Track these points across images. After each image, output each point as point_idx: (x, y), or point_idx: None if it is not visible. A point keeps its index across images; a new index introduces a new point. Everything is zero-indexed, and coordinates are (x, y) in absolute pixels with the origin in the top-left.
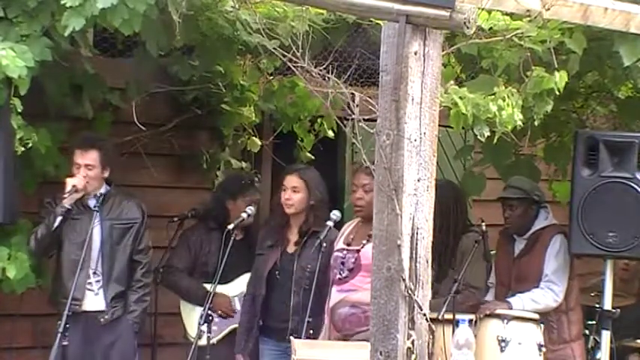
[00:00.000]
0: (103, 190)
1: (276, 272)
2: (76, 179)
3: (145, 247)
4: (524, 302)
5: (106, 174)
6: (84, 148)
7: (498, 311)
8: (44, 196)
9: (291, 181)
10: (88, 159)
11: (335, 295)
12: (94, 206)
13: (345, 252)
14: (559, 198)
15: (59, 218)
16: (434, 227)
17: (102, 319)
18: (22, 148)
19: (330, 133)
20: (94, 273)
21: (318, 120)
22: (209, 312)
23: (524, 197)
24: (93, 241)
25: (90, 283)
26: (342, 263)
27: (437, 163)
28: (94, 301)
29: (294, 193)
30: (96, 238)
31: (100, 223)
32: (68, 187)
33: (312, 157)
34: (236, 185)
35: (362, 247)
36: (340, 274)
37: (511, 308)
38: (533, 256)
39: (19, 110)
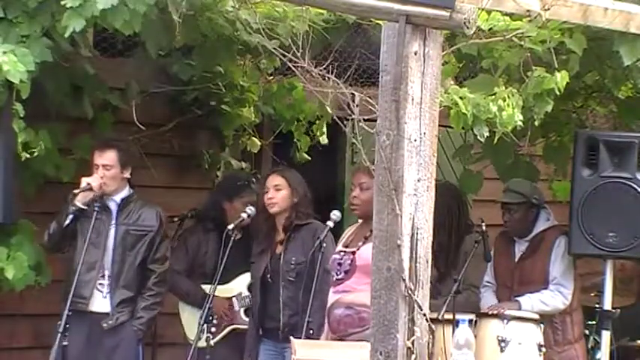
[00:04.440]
0: (125, 194)
1: (268, 275)
2: (92, 178)
3: (161, 256)
4: (533, 303)
5: (127, 174)
6: (101, 148)
7: (500, 311)
8: (44, 197)
9: (273, 180)
10: (105, 159)
11: (331, 296)
12: (114, 209)
13: (342, 254)
14: (559, 197)
15: (70, 216)
16: (436, 228)
17: (105, 324)
18: (27, 155)
19: (323, 140)
20: (108, 276)
21: (317, 122)
22: (209, 313)
23: (523, 202)
24: (108, 243)
25: (101, 284)
26: (340, 264)
27: (437, 163)
28: (102, 303)
29: (276, 191)
30: (110, 241)
31: (115, 227)
32: (82, 184)
33: (309, 158)
34: (232, 186)
35: (358, 249)
36: (337, 275)
37: (520, 308)
38: (537, 258)
39: (21, 115)
